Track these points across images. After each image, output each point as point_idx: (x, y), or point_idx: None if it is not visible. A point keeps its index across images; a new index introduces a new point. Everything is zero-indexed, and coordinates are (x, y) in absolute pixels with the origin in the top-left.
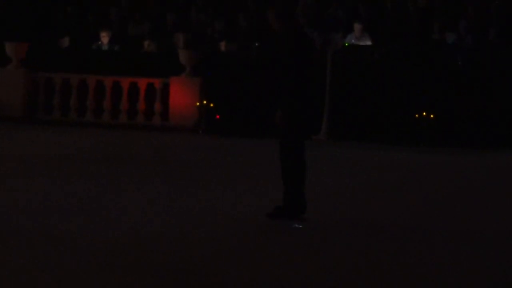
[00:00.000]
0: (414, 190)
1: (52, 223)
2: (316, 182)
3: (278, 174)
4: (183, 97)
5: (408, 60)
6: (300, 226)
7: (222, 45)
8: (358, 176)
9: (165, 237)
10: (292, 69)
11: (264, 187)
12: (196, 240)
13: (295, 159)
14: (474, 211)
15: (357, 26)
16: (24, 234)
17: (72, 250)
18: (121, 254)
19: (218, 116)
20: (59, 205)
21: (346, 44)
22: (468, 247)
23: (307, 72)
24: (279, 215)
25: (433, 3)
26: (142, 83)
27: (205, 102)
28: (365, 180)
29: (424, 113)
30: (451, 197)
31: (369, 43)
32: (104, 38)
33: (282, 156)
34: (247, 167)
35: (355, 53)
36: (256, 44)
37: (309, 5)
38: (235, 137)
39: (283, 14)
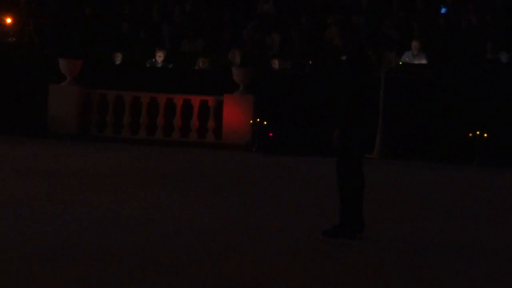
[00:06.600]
0: (468, 209)
1: (114, 237)
2: (370, 200)
3: (334, 192)
4: (236, 114)
5: (461, 79)
6: (355, 244)
7: (275, 63)
8: (412, 195)
9: (218, 253)
10: (352, 87)
11: (320, 204)
12: (251, 256)
13: (353, 178)
14: None
15: (414, 44)
16: (88, 249)
17: (135, 267)
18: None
19: (271, 134)
20: (123, 219)
21: (400, 63)
22: None
23: (366, 90)
24: (335, 233)
25: (486, 23)
26: (196, 100)
27: (258, 120)
28: (419, 199)
29: (478, 132)
30: (505, 216)
31: (424, 61)
32: (159, 57)
33: (339, 174)
34: (302, 185)
35: (408, 71)
36: (310, 62)
37: (362, 24)
38: (288, 155)
39: (346, 31)
